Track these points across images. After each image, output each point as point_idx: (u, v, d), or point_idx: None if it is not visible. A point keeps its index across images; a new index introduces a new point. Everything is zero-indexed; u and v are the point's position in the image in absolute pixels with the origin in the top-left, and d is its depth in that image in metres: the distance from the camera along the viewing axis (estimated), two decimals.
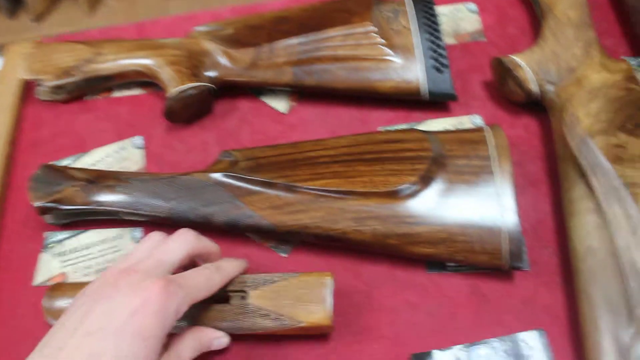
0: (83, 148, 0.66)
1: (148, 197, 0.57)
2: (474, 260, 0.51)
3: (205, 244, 0.51)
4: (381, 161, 0.54)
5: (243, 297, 0.51)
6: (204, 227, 0.55)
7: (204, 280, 0.47)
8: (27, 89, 0.71)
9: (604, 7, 0.70)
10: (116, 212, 0.58)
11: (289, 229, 0.54)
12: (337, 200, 0.53)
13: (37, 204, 0.58)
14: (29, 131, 0.68)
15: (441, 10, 0.70)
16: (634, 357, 0.45)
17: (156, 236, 0.50)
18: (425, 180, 0.53)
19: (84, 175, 0.59)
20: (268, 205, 0.54)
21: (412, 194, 0.53)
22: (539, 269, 0.54)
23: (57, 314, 0.51)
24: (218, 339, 0.50)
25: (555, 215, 0.56)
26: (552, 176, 0.58)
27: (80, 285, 0.52)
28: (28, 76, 0.67)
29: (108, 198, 0.57)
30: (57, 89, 0.68)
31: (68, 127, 0.68)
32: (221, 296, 0.51)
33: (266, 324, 0.50)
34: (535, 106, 0.61)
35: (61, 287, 0.54)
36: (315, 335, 0.52)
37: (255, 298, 0.51)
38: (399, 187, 0.52)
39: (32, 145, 0.67)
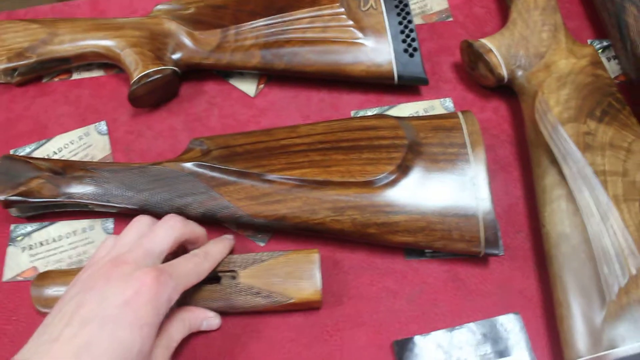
0: (44, 134, 0.64)
1: (119, 188, 0.56)
2: (451, 248, 0.53)
3: (193, 228, 0.52)
4: (357, 150, 0.55)
5: (233, 277, 0.53)
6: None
7: (194, 267, 0.49)
8: None
9: None
10: (86, 204, 0.56)
11: (266, 219, 0.54)
12: (315, 190, 0.54)
13: (1, 197, 0.56)
14: None
15: None
16: (605, 339, 0.48)
17: (143, 220, 0.50)
18: (403, 169, 0.54)
19: (49, 165, 0.57)
20: (244, 196, 0.54)
21: (390, 183, 0.53)
22: (513, 253, 0.56)
23: (47, 302, 0.53)
24: (208, 319, 0.52)
25: (526, 200, 0.58)
26: (523, 160, 0.60)
27: (68, 272, 0.54)
28: None
29: (77, 190, 0.56)
30: (10, 71, 0.65)
31: (25, 111, 0.66)
32: (211, 276, 0.52)
33: (258, 302, 0.52)
34: (505, 89, 0.63)
35: (49, 275, 0.54)
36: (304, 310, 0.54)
37: (246, 277, 0.52)
38: (377, 177, 0.53)
39: None
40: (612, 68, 0.66)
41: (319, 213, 0.53)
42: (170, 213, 0.54)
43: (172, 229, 0.49)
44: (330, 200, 0.53)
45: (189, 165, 0.56)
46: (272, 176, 0.54)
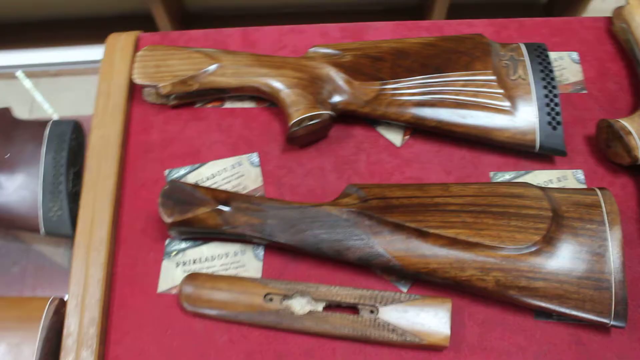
0: (197, 159, 0.71)
1: (282, 226, 0.63)
2: (582, 316, 0.60)
3: None
4: (506, 216, 0.62)
5: (372, 311, 0.61)
6: (334, 259, 0.63)
7: None
8: (134, 88, 0.75)
9: None
10: (244, 236, 0.64)
11: (417, 270, 0.61)
12: (465, 250, 0.61)
13: (169, 220, 0.63)
14: (137, 134, 0.73)
15: None
16: None
17: None
18: (547, 240, 0.61)
19: (214, 195, 0.64)
20: (399, 247, 0.62)
21: (535, 252, 0.61)
22: (634, 325, 0.63)
23: (197, 301, 0.63)
24: None
25: None
26: None
27: (214, 278, 0.63)
28: (142, 82, 0.71)
29: (243, 223, 0.63)
30: (169, 94, 0.72)
31: (179, 134, 0.73)
32: (350, 306, 0.61)
33: (391, 338, 0.60)
34: (633, 167, 0.70)
35: (199, 277, 0.64)
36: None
37: (384, 313, 0.60)
38: (524, 245, 0.61)
39: (143, 151, 0.72)
40: None
41: (467, 271, 0.61)
42: (327, 254, 0.61)
43: None
44: (479, 260, 0.61)
45: (348, 211, 0.63)
46: (427, 232, 0.61)
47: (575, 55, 0.78)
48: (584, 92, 0.76)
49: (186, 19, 1.55)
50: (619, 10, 0.78)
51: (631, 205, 0.69)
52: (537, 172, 0.71)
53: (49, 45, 1.20)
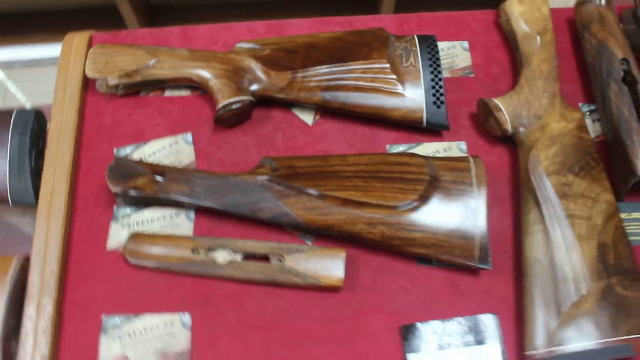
0: (141, 139, 0.87)
1: (208, 192, 0.79)
2: (452, 261, 0.76)
3: None
4: (391, 180, 0.78)
5: (280, 260, 0.77)
6: (250, 218, 0.79)
7: None
8: (88, 80, 0.91)
9: (569, 56, 0.94)
10: (177, 202, 0.80)
11: (317, 226, 0.77)
12: (356, 208, 0.77)
13: (115, 190, 0.79)
14: (91, 119, 0.89)
15: (441, 45, 0.93)
16: (556, 339, 0.71)
17: None
18: (423, 199, 0.77)
19: (152, 169, 0.80)
20: (302, 207, 0.78)
21: (413, 208, 0.77)
22: (498, 268, 0.79)
23: (138, 255, 0.79)
24: None
25: (513, 229, 0.82)
26: (515, 197, 0.83)
27: (153, 236, 0.79)
28: (93, 75, 0.86)
29: (175, 190, 0.79)
30: (116, 85, 0.88)
31: (126, 118, 0.89)
32: (263, 257, 0.77)
33: (295, 280, 0.77)
34: (508, 140, 0.86)
35: (140, 236, 0.80)
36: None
37: (289, 261, 0.76)
38: (404, 203, 0.77)
39: (95, 133, 0.88)
40: (596, 129, 0.89)
41: (357, 225, 0.77)
42: (245, 214, 0.77)
43: None
44: (367, 216, 0.77)
45: (262, 178, 0.79)
46: (325, 194, 0.77)
47: (465, 44, 0.94)
48: (472, 75, 0.92)
49: (150, 11, 1.70)
50: (503, 5, 0.93)
51: (505, 170, 0.86)
52: (426, 144, 0.87)
53: (20, 39, 1.35)
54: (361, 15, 0.97)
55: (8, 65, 1.28)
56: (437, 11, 0.99)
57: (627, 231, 0.78)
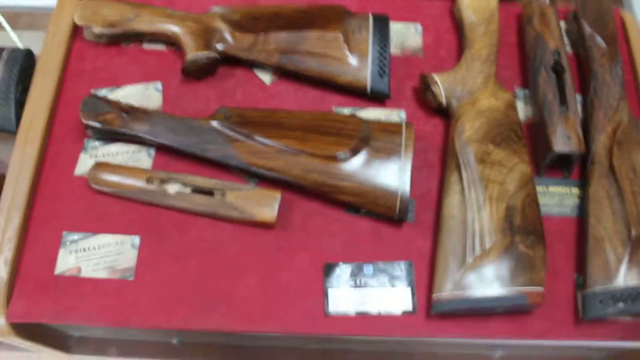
0: (117, 83, 0.99)
1: (166, 130, 0.90)
2: (377, 211, 0.87)
3: None
4: (328, 134, 0.89)
5: (222, 195, 0.87)
6: (201, 158, 0.90)
7: None
8: (78, 28, 1.03)
9: (513, 46, 1.04)
10: (139, 137, 0.91)
11: (258, 168, 0.88)
12: (293, 155, 0.88)
13: (85, 121, 0.91)
14: (74, 62, 1.01)
15: (396, 26, 1.04)
16: (459, 286, 0.81)
17: None
18: (353, 152, 0.87)
19: (121, 107, 0.92)
20: (247, 151, 0.89)
21: (343, 159, 0.87)
22: (419, 223, 0.89)
23: (100, 181, 0.89)
24: None
25: (438, 190, 0.92)
26: (443, 164, 0.93)
27: (113, 166, 0.90)
28: (80, 22, 0.98)
29: (137, 126, 0.90)
30: (101, 35, 1.00)
31: (106, 65, 1.01)
32: (207, 192, 0.87)
33: (233, 214, 0.87)
34: (443, 112, 0.96)
35: (103, 164, 0.90)
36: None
37: (231, 197, 0.87)
38: (335, 154, 0.87)
39: (77, 75, 1.00)
40: (527, 112, 0.99)
41: (293, 171, 0.87)
42: (196, 153, 0.88)
43: None
44: (302, 163, 0.87)
45: (213, 123, 0.90)
46: (267, 141, 0.88)
47: (419, 26, 1.05)
48: (420, 55, 1.03)
49: None
50: None
51: (438, 139, 0.96)
52: (370, 109, 0.97)
53: None
54: None
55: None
56: None
57: (544, 203, 0.88)
